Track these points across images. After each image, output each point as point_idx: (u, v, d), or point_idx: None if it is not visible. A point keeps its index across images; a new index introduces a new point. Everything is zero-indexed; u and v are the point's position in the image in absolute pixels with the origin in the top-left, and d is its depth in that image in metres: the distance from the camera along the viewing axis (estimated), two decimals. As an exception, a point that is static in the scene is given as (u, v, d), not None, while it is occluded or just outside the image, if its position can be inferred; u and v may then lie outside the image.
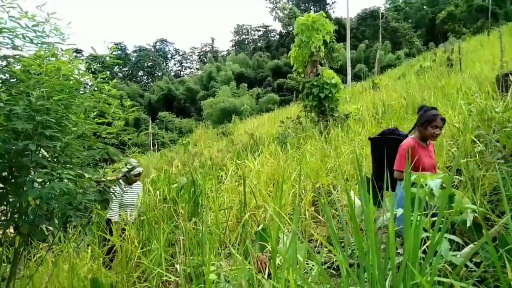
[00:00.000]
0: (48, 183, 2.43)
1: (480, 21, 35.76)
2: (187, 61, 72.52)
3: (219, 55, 64.37)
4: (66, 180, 2.55)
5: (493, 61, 12.09)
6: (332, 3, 60.00)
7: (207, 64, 52.72)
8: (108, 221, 4.48)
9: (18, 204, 2.51)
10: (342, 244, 3.34)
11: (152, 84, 54.74)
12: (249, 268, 2.33)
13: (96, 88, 2.97)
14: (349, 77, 26.31)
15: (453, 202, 2.01)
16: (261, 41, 64.97)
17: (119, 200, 4.75)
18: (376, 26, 45.14)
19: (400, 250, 2.16)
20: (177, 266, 3.07)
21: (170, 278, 3.12)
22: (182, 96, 42.67)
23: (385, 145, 3.50)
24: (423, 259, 1.63)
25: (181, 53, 71.72)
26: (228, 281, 2.58)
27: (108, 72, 2.99)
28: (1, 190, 2.45)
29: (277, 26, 78.58)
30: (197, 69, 68.19)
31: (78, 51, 34.15)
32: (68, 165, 2.70)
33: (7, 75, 2.57)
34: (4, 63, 2.56)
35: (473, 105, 5.98)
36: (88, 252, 3.84)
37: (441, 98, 8.15)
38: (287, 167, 5.84)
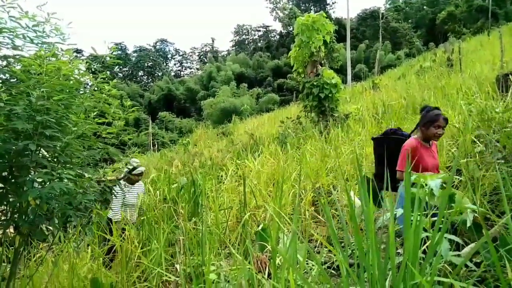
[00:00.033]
0: (48, 183, 2.43)
1: (480, 21, 35.77)
2: (187, 61, 72.59)
3: (219, 55, 64.39)
4: (66, 180, 2.56)
5: (493, 61, 12.09)
6: (332, 3, 60.05)
7: (207, 64, 52.73)
8: (109, 221, 4.48)
9: (18, 204, 2.51)
10: (342, 244, 3.34)
11: (152, 84, 54.75)
12: (249, 268, 2.33)
13: (96, 88, 2.97)
14: (349, 77, 26.32)
15: (453, 202, 2.01)
16: (261, 41, 64.98)
17: (121, 200, 4.75)
18: (376, 26, 45.14)
19: (400, 250, 2.16)
20: (177, 266, 3.07)
21: (170, 278, 3.12)
22: (182, 96, 42.68)
23: (387, 145, 3.49)
24: (423, 259, 1.63)
25: (181, 53, 71.81)
26: (228, 281, 2.58)
27: (108, 72, 3.00)
28: (1, 190, 2.46)
29: (277, 26, 78.66)
30: (197, 69, 68.23)
31: (78, 51, 34.18)
32: (68, 165, 2.70)
33: (7, 75, 2.58)
34: (5, 63, 2.56)
35: (473, 105, 5.98)
36: (88, 252, 3.84)
37: (441, 98, 8.15)
38: (287, 167, 5.84)
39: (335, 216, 4.52)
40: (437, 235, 1.61)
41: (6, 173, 2.49)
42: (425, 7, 53.00)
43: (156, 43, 67.87)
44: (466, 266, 2.08)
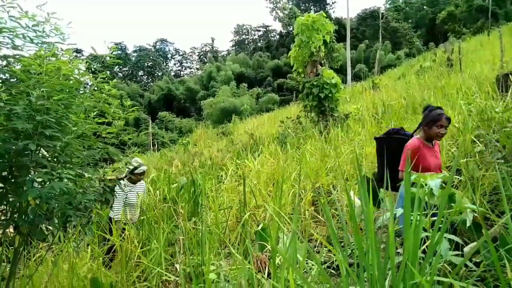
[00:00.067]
0: (48, 183, 2.43)
1: (480, 21, 35.77)
2: (187, 61, 72.60)
3: (219, 55, 64.40)
4: (66, 180, 2.56)
5: (493, 61, 12.09)
6: (332, 3, 60.05)
7: (207, 64, 52.75)
8: (111, 220, 4.49)
9: (18, 204, 2.51)
10: (342, 244, 3.34)
11: (152, 84, 54.76)
12: (248, 268, 2.33)
13: (96, 88, 2.97)
14: (349, 77, 26.32)
15: (453, 202, 2.01)
16: (261, 41, 65.00)
17: (123, 199, 4.75)
18: (376, 26, 45.14)
19: (399, 250, 2.16)
20: (177, 266, 3.07)
21: (169, 277, 3.12)
22: (182, 96, 42.69)
23: (389, 145, 3.48)
24: (423, 259, 1.64)
25: (181, 53, 71.81)
26: (228, 281, 2.58)
27: (108, 72, 3.00)
28: (1, 190, 2.46)
29: (277, 26, 78.69)
30: (197, 69, 68.23)
31: (78, 51, 34.17)
32: (68, 165, 2.70)
33: (7, 75, 2.58)
34: (4, 62, 2.56)
35: (473, 105, 5.98)
36: (88, 252, 3.84)
37: (441, 98, 8.15)
38: (287, 167, 5.84)
39: (334, 216, 4.52)
40: (437, 235, 1.61)
41: (6, 173, 2.49)
42: (425, 7, 53.01)
43: (156, 43, 67.92)
44: (466, 265, 2.08)
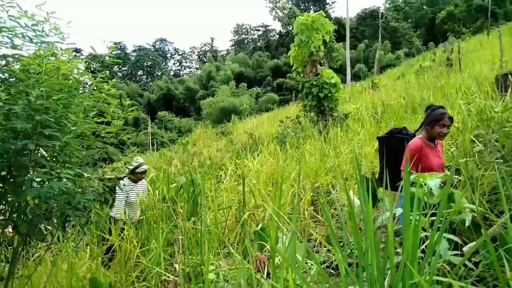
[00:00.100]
0: (47, 183, 2.43)
1: (480, 21, 35.79)
2: (187, 60, 72.55)
3: (219, 54, 64.35)
4: (65, 180, 2.56)
5: (493, 61, 12.10)
6: (332, 2, 60.00)
7: (206, 63, 52.71)
8: (112, 219, 4.49)
9: (16, 204, 2.51)
10: (341, 244, 3.34)
11: (151, 83, 54.70)
12: (248, 268, 2.33)
13: (95, 88, 2.97)
14: (348, 76, 26.32)
15: (452, 201, 2.01)
16: (260, 40, 64.98)
17: (124, 198, 4.75)
18: (375, 26, 45.13)
19: (399, 250, 2.16)
20: (176, 266, 3.07)
21: (169, 277, 3.12)
22: (181, 96, 42.66)
23: (392, 145, 3.46)
24: (422, 259, 1.64)
25: (180, 53, 71.75)
26: (227, 281, 2.58)
27: (107, 72, 3.00)
28: (0, 190, 2.45)
29: (277, 26, 78.69)
30: (197, 68, 68.20)
31: (77, 50, 34.15)
32: (67, 165, 2.70)
33: (6, 74, 2.57)
34: (4, 62, 2.56)
35: (472, 105, 5.98)
36: (87, 252, 3.84)
37: (441, 98, 8.15)
38: (286, 167, 5.84)
39: (334, 216, 4.52)
40: (436, 235, 1.61)
41: (4, 173, 2.49)
42: (424, 6, 53.02)
43: (155, 43, 67.87)
44: (465, 265, 2.09)
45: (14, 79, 2.58)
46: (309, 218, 4.38)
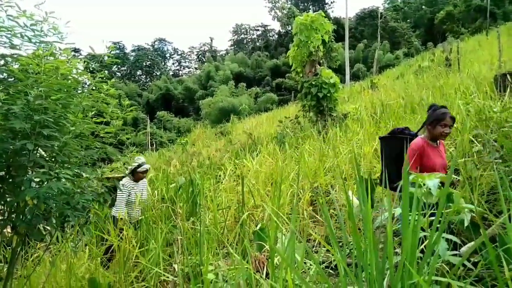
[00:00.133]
0: (45, 183, 2.42)
1: (479, 21, 35.84)
2: (186, 60, 72.54)
3: (218, 54, 64.36)
4: (64, 180, 2.55)
5: (491, 61, 12.12)
6: (331, 2, 60.12)
7: (205, 63, 52.70)
8: (113, 218, 4.49)
9: (15, 204, 2.51)
10: (340, 244, 3.35)
11: (150, 83, 54.63)
12: (247, 268, 2.33)
13: (94, 88, 2.97)
14: (347, 76, 26.34)
15: (451, 202, 2.01)
16: (259, 40, 64.97)
17: (125, 197, 4.75)
18: (374, 25, 45.19)
19: (398, 250, 2.16)
20: (175, 266, 3.06)
21: (168, 277, 3.11)
22: (180, 96, 42.64)
23: (394, 145, 3.44)
24: (421, 259, 1.64)
25: (179, 53, 71.74)
26: (226, 281, 2.58)
27: (106, 72, 2.99)
28: (-1, 190, 2.45)
29: (276, 26, 78.55)
30: (196, 68, 68.18)
31: (76, 50, 34.09)
32: (66, 165, 2.69)
33: (5, 74, 2.57)
34: (2, 62, 2.55)
35: (471, 105, 5.99)
36: (86, 252, 3.83)
37: (440, 98, 8.16)
38: (285, 167, 5.84)
39: (333, 216, 4.52)
40: (435, 235, 1.62)
41: (3, 173, 2.48)
42: (423, 6, 53.09)
43: (154, 43, 67.84)
44: (464, 265, 2.09)
45: (13, 79, 2.58)
46: (308, 218, 4.38)
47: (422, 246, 1.90)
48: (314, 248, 3.94)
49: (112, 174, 4.85)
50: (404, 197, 1.68)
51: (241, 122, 19.75)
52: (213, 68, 44.76)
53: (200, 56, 70.20)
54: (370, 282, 1.61)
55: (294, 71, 10.00)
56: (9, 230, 2.63)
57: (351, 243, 2.48)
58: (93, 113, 2.92)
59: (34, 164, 2.48)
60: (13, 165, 2.46)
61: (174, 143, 20.44)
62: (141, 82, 59.45)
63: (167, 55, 70.35)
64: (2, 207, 2.53)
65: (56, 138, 2.52)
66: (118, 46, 55.73)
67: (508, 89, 6.05)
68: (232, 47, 67.95)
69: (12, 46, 2.53)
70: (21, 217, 2.51)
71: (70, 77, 2.74)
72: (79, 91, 2.92)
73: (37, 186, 2.44)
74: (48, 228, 2.70)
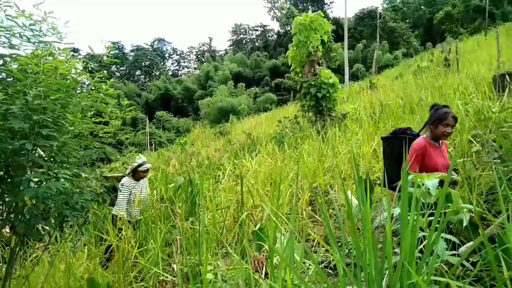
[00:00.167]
0: (44, 183, 2.42)
1: (477, 22, 35.90)
2: (185, 60, 72.49)
3: (217, 54, 64.33)
4: (62, 180, 2.55)
5: (490, 61, 12.14)
6: (330, 3, 60.11)
7: (204, 63, 52.69)
8: (114, 217, 4.49)
9: (14, 204, 2.50)
10: (339, 244, 3.35)
11: (149, 83, 54.57)
12: (246, 268, 2.33)
13: (93, 88, 2.96)
14: (346, 77, 26.36)
15: (450, 201, 2.02)
16: (259, 40, 64.95)
17: (126, 196, 4.76)
18: (373, 26, 45.24)
19: (397, 250, 2.17)
20: (174, 266, 3.06)
21: (167, 277, 3.11)
22: (179, 96, 42.62)
23: (395, 145, 3.43)
24: (420, 259, 1.64)
25: (178, 53, 71.68)
26: (225, 281, 2.58)
27: (105, 71, 2.99)
28: (-3, 190, 2.45)
29: (275, 26, 78.55)
30: (195, 68, 68.17)
31: (75, 50, 34.06)
32: (64, 165, 2.69)
33: (4, 74, 2.57)
34: (1, 62, 2.55)
35: (470, 105, 6.00)
36: (85, 252, 3.83)
37: (438, 98, 8.17)
38: (284, 167, 5.84)
39: (332, 216, 4.52)
40: (434, 235, 1.62)
41: (2, 173, 2.48)
42: (422, 7, 53.13)
43: (153, 43, 67.77)
44: (463, 265, 2.09)
45: (12, 78, 2.57)
46: (307, 218, 4.39)
47: (421, 246, 1.90)
48: (313, 248, 3.94)
49: (112, 174, 4.86)
50: (403, 197, 1.68)
51: (240, 122, 19.75)
52: (212, 68, 44.75)
53: (199, 56, 70.17)
54: (369, 282, 1.62)
55: (293, 71, 10.00)
56: (7, 230, 2.63)
57: (350, 243, 2.48)
58: (92, 113, 2.92)
59: (33, 164, 2.48)
60: (12, 165, 2.46)
61: (173, 143, 20.44)
62: (140, 82, 59.37)
63: (166, 55, 70.32)
64: (1, 207, 2.53)
65: (55, 138, 2.52)
66: (117, 46, 55.67)
67: (507, 89, 6.06)
68: (231, 47, 67.93)
69: (11, 46, 2.53)
70: (19, 217, 2.51)
71: (69, 77, 2.74)
72: (78, 91, 2.92)
73: (35, 186, 2.44)
74: (47, 228, 2.70)
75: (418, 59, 22.45)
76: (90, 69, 3.09)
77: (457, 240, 1.91)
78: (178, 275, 2.67)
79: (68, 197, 2.62)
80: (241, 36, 69.68)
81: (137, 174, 4.89)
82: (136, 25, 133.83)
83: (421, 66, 16.47)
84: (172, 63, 71.76)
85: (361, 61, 39.41)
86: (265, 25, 65.77)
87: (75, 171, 2.74)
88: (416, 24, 50.59)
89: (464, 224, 1.94)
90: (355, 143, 6.68)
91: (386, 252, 1.59)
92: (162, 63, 67.34)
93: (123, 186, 4.73)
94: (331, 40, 12.43)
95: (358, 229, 3.08)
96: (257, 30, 67.17)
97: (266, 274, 2.77)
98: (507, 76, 6.80)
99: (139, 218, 4.69)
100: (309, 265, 2.90)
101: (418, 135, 3.35)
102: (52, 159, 2.65)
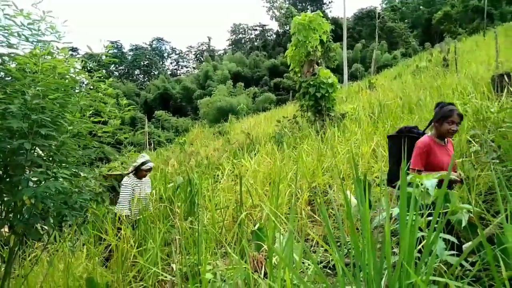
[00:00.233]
0: (43, 182, 2.42)
1: (476, 22, 35.95)
2: (184, 60, 72.40)
3: (216, 54, 64.28)
4: (61, 179, 2.54)
5: (489, 61, 12.16)
6: (329, 2, 60.08)
7: (203, 63, 52.60)
8: (115, 215, 4.49)
9: (13, 203, 2.50)
10: (338, 244, 3.35)
11: (148, 82, 54.50)
12: (245, 268, 2.33)
13: (92, 87, 2.96)
14: (345, 76, 26.38)
15: (448, 201, 2.02)
16: (257, 40, 64.89)
17: (129, 194, 4.75)
18: (372, 26, 45.27)
19: (396, 250, 2.17)
20: (173, 266, 3.06)
21: (166, 277, 3.11)
22: (178, 95, 42.58)
23: (401, 143, 3.42)
24: (419, 259, 1.64)
25: (177, 52, 71.58)
26: (224, 281, 2.58)
27: (104, 71, 2.98)
28: (-4, 189, 2.44)
29: (274, 26, 78.64)
30: (194, 68, 68.09)
31: (74, 49, 33.97)
32: (63, 164, 2.68)
33: (2, 73, 2.56)
34: (-1, 61, 2.54)
35: (469, 105, 6.01)
36: (84, 251, 3.83)
37: (437, 98, 8.18)
38: (283, 167, 5.84)
39: (331, 216, 4.53)
40: (433, 235, 1.62)
41: (1, 172, 2.47)
42: (421, 7, 53.20)
43: (152, 42, 67.66)
44: (462, 265, 2.10)
45: (10, 78, 2.57)
46: (306, 218, 4.39)
47: (420, 246, 1.90)
48: (312, 248, 3.94)
49: (116, 171, 4.85)
50: (402, 197, 1.68)
51: (239, 122, 19.75)
52: (211, 67, 44.71)
53: (198, 55, 70.10)
54: (368, 282, 1.62)
55: (292, 71, 10.00)
56: (6, 229, 2.62)
57: (349, 243, 2.48)
58: (90, 112, 2.91)
59: (32, 163, 2.47)
60: (11, 164, 2.46)
61: (172, 142, 20.42)
62: (139, 81, 59.27)
63: (165, 54, 70.22)
64: (0, 206, 2.52)
65: (53, 138, 2.51)
66: (116, 45, 55.62)
67: (505, 90, 6.07)
68: (230, 47, 67.88)
69: (9, 45, 2.52)
70: (18, 216, 2.50)
71: (67, 76, 2.73)
72: (76, 91, 2.91)
73: (34, 186, 2.43)
74: (46, 227, 2.69)
75: (417, 59, 22.50)
76: (88, 68, 3.08)
77: (456, 240, 1.91)
78: (177, 275, 2.67)
79: (67, 197, 2.61)
80: (240, 35, 69.62)
81: (140, 172, 4.90)
82: (135, 25, 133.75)
83: (419, 66, 16.49)
84: (171, 63, 71.75)
85: (360, 61, 39.43)
86: (264, 25, 65.67)
87: (74, 170, 2.74)
88: (415, 24, 50.65)
89: (463, 224, 1.94)
90: (354, 143, 6.68)
91: (385, 252, 1.59)
92: (161, 63, 67.23)
93: (126, 184, 4.74)
94: (330, 40, 12.42)
95: (357, 229, 3.09)
96: (256, 29, 67.11)
97: (265, 274, 2.78)
98: (505, 76, 6.82)
99: (138, 218, 4.69)
100: (308, 265, 2.90)
101: (423, 133, 3.33)
102: (51, 159, 2.64)
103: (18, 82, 2.46)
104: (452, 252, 1.84)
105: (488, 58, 12.88)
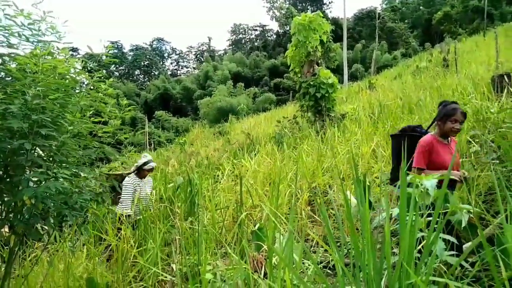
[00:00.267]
0: (43, 182, 2.42)
1: (476, 22, 35.97)
2: (184, 60, 72.41)
3: (216, 54, 64.29)
4: (61, 179, 2.55)
5: (489, 62, 12.16)
6: (329, 3, 60.08)
7: (203, 63, 52.61)
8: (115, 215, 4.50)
9: (13, 203, 2.50)
10: (338, 244, 3.35)
11: (148, 83, 54.49)
12: (245, 268, 2.33)
13: (92, 87, 2.96)
14: (345, 77, 26.39)
15: (448, 202, 2.02)
16: (258, 40, 64.91)
17: (131, 194, 4.76)
18: (372, 26, 45.29)
19: (395, 250, 2.17)
20: (173, 266, 3.06)
21: (166, 277, 3.11)
22: (178, 95, 42.58)
23: (404, 142, 3.41)
24: (419, 259, 1.64)
25: (178, 52, 71.60)
26: (224, 281, 2.58)
27: (104, 71, 2.98)
28: (-4, 189, 2.44)
29: (274, 26, 78.50)
30: (194, 68, 68.12)
31: (74, 49, 33.97)
32: (63, 164, 2.69)
33: (2, 73, 2.56)
34: (0, 61, 2.54)
35: (469, 105, 6.01)
36: (84, 252, 3.83)
37: (437, 98, 8.18)
38: (283, 167, 5.84)
39: (331, 216, 4.53)
40: (432, 235, 1.62)
41: (1, 172, 2.48)
42: (421, 7, 53.21)
43: (152, 42, 67.67)
44: (461, 266, 2.10)
45: (11, 78, 2.57)
46: (306, 218, 4.39)
47: (420, 247, 1.91)
48: (312, 248, 3.94)
49: (116, 171, 4.85)
50: (402, 197, 1.68)
51: (239, 122, 19.75)
52: (211, 68, 44.71)
53: (198, 55, 70.12)
54: (368, 282, 1.62)
55: (292, 71, 10.01)
56: (6, 229, 2.63)
57: (349, 243, 2.48)
58: (91, 112, 2.91)
59: (32, 163, 2.47)
60: (11, 164, 2.46)
61: (172, 142, 20.42)
62: (139, 81, 59.26)
63: (165, 54, 70.23)
64: (0, 206, 2.52)
65: (54, 138, 2.52)
66: (116, 46, 55.64)
67: (506, 90, 6.07)
68: (230, 47, 67.89)
69: (10, 45, 2.52)
70: (19, 216, 2.50)
71: (68, 76, 2.74)
72: (77, 91, 2.91)
73: (35, 186, 2.44)
74: (46, 227, 2.70)
75: (417, 59, 22.51)
76: (89, 68, 3.08)
77: (455, 240, 1.91)
78: (177, 275, 2.67)
79: (67, 197, 2.61)
80: (240, 36, 69.64)
81: (142, 172, 4.92)
82: (135, 25, 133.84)
83: (420, 67, 16.50)
84: (171, 63, 71.77)
85: (360, 61, 39.44)
86: (264, 25, 65.70)
87: (74, 170, 2.74)
88: (415, 24, 50.65)
89: (463, 224, 1.94)
90: (354, 143, 6.68)
91: (384, 252, 1.59)
92: (161, 63, 67.22)
93: (128, 184, 4.76)
94: (330, 40, 12.43)
95: (357, 229, 3.09)
96: (256, 30, 67.12)
97: (265, 274, 2.78)
98: (505, 77, 6.82)
99: (138, 217, 4.69)
100: (308, 265, 2.90)
101: (426, 132, 3.32)
102: (51, 159, 2.64)
103: (18, 82, 2.47)
104: (452, 252, 1.84)
105: (488, 58, 12.89)
